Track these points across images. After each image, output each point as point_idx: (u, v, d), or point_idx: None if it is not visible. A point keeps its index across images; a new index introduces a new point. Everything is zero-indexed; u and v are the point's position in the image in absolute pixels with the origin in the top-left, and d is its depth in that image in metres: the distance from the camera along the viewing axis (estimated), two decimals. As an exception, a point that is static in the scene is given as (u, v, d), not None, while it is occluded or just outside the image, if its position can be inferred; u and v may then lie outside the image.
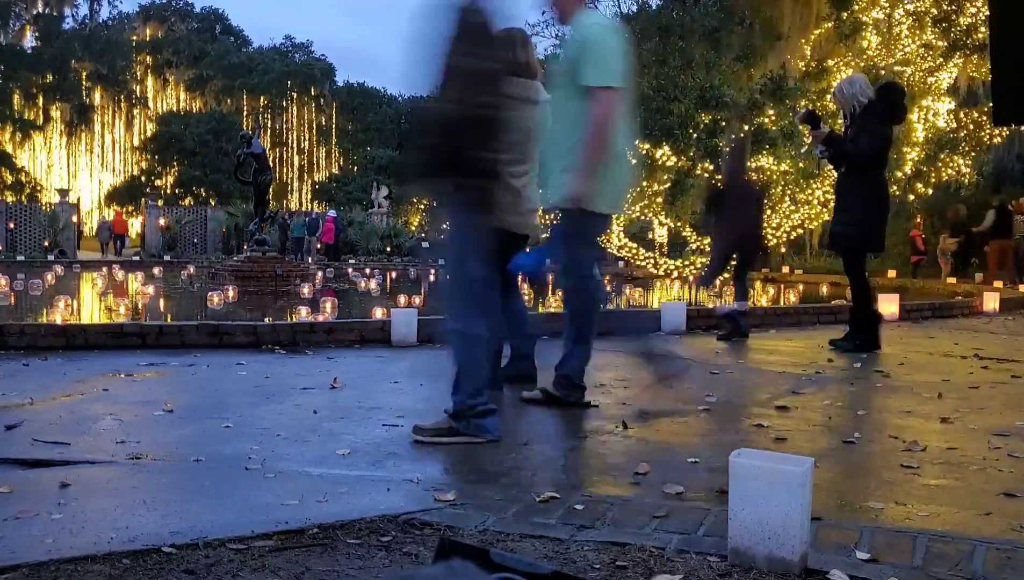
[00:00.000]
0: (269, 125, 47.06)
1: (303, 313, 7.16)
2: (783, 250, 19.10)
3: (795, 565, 1.74)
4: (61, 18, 42.40)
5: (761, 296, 12.69)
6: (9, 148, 38.29)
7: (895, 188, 15.47)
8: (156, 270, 17.73)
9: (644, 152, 15.04)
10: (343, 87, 48.91)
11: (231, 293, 9.96)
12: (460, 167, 2.83)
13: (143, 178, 42.69)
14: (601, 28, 3.47)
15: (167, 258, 23.43)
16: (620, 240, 17.30)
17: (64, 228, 26.63)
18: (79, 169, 45.53)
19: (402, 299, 9.08)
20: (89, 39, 41.47)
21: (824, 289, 13.76)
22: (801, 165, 15.42)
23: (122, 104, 46.48)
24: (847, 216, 5.54)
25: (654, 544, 1.91)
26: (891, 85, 6.12)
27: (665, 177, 15.87)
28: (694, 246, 17.72)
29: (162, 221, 28.24)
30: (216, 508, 2.14)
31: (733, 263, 6.78)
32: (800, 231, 17.36)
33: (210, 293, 9.48)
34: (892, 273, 15.68)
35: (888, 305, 8.09)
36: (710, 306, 7.72)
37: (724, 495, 1.98)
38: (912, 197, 16.20)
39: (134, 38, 47.98)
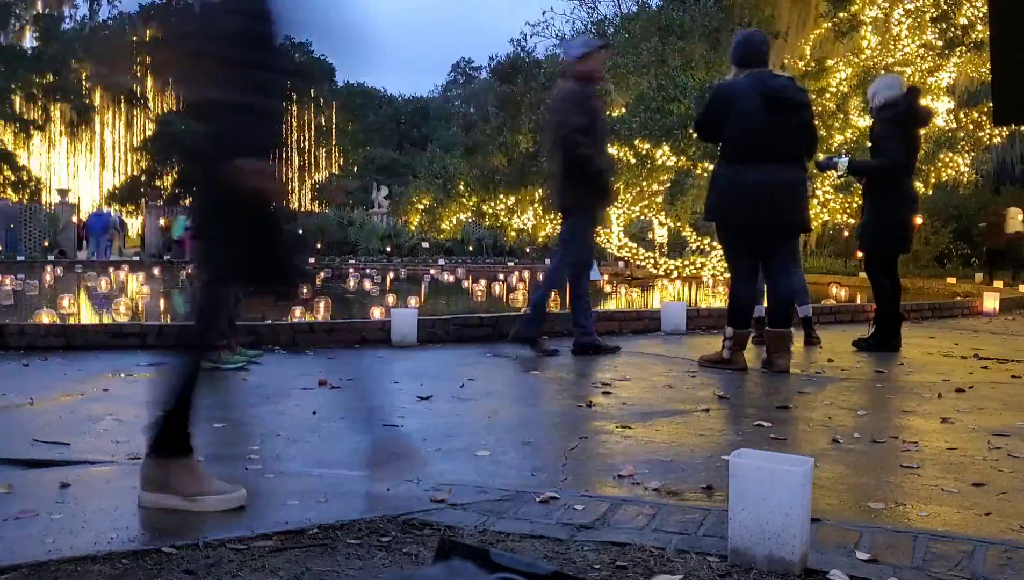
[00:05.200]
0: (269, 125, 47.02)
1: (298, 313, 7.11)
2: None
3: (795, 565, 1.74)
4: (61, 18, 42.35)
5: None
6: (11, 148, 38.24)
7: None
8: (156, 270, 17.74)
9: (644, 152, 15.01)
10: (343, 87, 48.90)
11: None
12: None
13: (144, 178, 42.65)
14: None
15: (167, 258, 23.40)
16: (620, 240, 17.27)
17: (64, 228, 26.61)
18: (79, 169, 45.49)
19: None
20: (89, 39, 41.40)
21: (824, 289, 13.73)
22: None
23: (122, 104, 46.40)
24: (866, 218, 5.89)
25: (654, 544, 1.91)
26: (914, 89, 6.19)
27: (665, 177, 15.83)
28: (694, 246, 17.68)
29: (162, 221, 28.21)
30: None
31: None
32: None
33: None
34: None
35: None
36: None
37: (724, 495, 1.98)
38: None
39: (134, 38, 47.90)
